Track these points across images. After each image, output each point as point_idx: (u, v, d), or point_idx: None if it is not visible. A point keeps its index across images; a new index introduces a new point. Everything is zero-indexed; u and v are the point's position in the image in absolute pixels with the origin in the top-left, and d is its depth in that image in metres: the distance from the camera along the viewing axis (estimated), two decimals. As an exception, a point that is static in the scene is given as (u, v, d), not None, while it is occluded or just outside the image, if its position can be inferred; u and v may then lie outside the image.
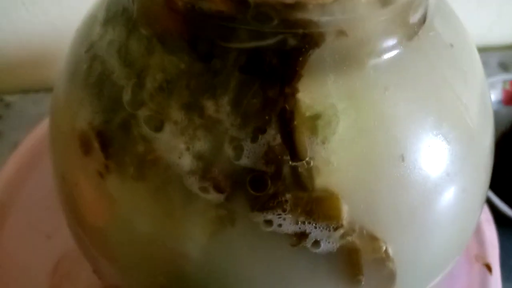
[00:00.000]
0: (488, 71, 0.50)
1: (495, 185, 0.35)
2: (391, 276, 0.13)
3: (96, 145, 0.12)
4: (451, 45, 0.14)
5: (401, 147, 0.12)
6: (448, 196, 0.13)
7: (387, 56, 0.12)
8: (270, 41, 0.11)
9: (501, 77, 0.45)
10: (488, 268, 0.23)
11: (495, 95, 0.44)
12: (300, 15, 0.10)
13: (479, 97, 0.15)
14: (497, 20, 0.52)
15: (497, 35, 0.54)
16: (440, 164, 0.13)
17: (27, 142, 0.29)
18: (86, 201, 0.14)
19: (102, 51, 0.13)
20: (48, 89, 0.42)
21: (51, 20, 0.39)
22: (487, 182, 0.16)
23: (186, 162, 0.11)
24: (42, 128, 0.30)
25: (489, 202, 0.32)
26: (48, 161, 0.29)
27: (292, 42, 0.11)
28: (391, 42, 0.12)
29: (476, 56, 0.16)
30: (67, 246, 0.26)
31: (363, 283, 0.13)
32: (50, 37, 0.40)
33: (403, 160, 0.12)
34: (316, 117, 0.11)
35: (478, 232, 0.25)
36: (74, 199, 0.14)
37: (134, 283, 0.14)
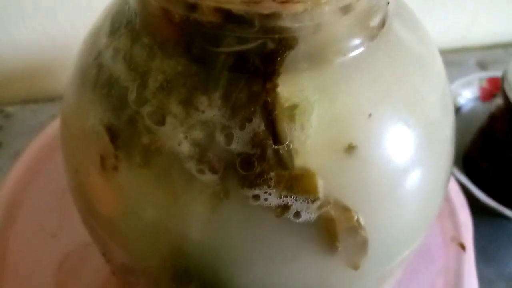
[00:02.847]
0: (467, 70, 0.52)
1: (473, 175, 0.37)
2: (364, 243, 0.15)
3: (106, 138, 0.14)
4: (409, 45, 0.16)
5: (365, 131, 0.14)
6: (410, 176, 0.15)
7: (352, 54, 0.14)
8: (252, 45, 0.13)
9: (477, 75, 0.47)
10: (462, 247, 0.26)
11: (472, 93, 0.46)
12: (276, 23, 0.12)
13: (439, 91, 0.17)
14: (473, 22, 0.54)
15: (475, 36, 0.56)
16: (401, 147, 0.15)
17: (31, 148, 0.31)
18: (98, 189, 0.16)
19: (109, 58, 0.15)
20: (47, 100, 0.44)
21: (48, 34, 0.41)
22: (448, 167, 0.18)
23: (185, 148, 0.13)
24: (45, 134, 0.31)
25: (468, 192, 0.34)
26: (52, 165, 0.31)
27: (271, 45, 0.13)
28: (354, 42, 0.14)
29: (436, 54, 0.18)
30: (71, 245, 0.28)
31: (339, 249, 0.14)
32: (48, 49, 0.42)
33: (367, 142, 0.14)
34: (293, 107, 0.13)
35: (453, 216, 0.27)
36: (86, 188, 0.16)
37: (142, 261, 0.16)
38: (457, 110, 0.44)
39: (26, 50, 0.42)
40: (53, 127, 0.32)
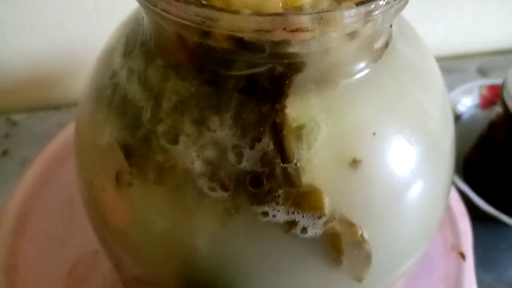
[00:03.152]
0: (468, 77, 0.52)
1: (473, 182, 0.38)
2: (367, 257, 0.15)
3: (121, 156, 0.15)
4: (411, 62, 0.17)
5: (369, 149, 0.14)
6: (412, 190, 0.16)
7: (357, 76, 0.14)
8: (262, 69, 0.13)
9: (477, 83, 0.47)
10: (462, 256, 0.26)
11: (472, 100, 0.47)
12: (286, 49, 0.13)
13: (439, 105, 0.18)
14: (474, 28, 0.55)
15: (475, 43, 0.56)
16: (403, 163, 0.15)
17: (41, 158, 0.31)
18: (112, 204, 0.16)
19: (124, 78, 0.15)
20: (54, 108, 0.44)
21: (55, 42, 0.41)
22: (449, 177, 0.18)
23: (197, 167, 0.14)
24: (54, 144, 0.32)
25: (467, 199, 0.35)
26: (61, 175, 0.31)
27: (279, 69, 0.13)
28: (359, 65, 0.14)
29: (436, 69, 0.19)
30: (80, 253, 0.29)
31: (344, 263, 0.15)
32: (54, 58, 0.42)
33: (371, 158, 0.14)
34: (301, 127, 0.14)
35: (453, 225, 0.28)
36: (101, 202, 0.17)
37: (154, 274, 0.17)
38: (457, 117, 0.45)
39: (33, 58, 0.42)
40: (62, 136, 0.32)
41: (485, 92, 0.47)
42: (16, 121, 0.43)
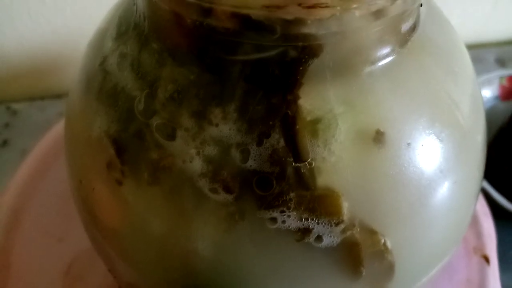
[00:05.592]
0: (486, 67, 0.50)
1: (493, 178, 0.36)
2: (390, 268, 0.14)
3: (112, 152, 0.13)
4: (441, 49, 0.15)
5: (395, 147, 0.13)
6: (442, 192, 0.14)
7: (381, 63, 0.13)
8: (272, 53, 0.11)
9: (498, 73, 0.45)
10: (486, 259, 0.24)
11: (492, 91, 0.45)
12: (300, 30, 0.11)
13: (470, 97, 0.16)
14: (492, 16, 0.53)
15: (493, 31, 0.54)
16: (433, 162, 0.13)
17: (37, 150, 0.30)
18: (103, 205, 0.15)
19: (115, 64, 0.14)
20: (54, 96, 0.43)
21: (55, 29, 0.40)
22: (480, 177, 0.17)
23: (197, 165, 0.12)
24: (51, 135, 0.31)
25: (487, 196, 0.33)
26: (58, 168, 0.30)
27: (292, 53, 0.12)
28: (384, 50, 0.13)
29: (466, 57, 0.17)
30: (79, 249, 0.27)
31: (364, 274, 0.13)
32: (54, 45, 0.41)
33: (398, 159, 0.13)
34: (316, 121, 0.12)
35: (475, 225, 0.26)
36: (91, 202, 0.15)
37: (149, 280, 0.15)
38: (476, 110, 0.43)
39: (32, 45, 0.41)
40: (59, 127, 0.31)
41: (505, 82, 0.45)
42: (16, 110, 0.42)
